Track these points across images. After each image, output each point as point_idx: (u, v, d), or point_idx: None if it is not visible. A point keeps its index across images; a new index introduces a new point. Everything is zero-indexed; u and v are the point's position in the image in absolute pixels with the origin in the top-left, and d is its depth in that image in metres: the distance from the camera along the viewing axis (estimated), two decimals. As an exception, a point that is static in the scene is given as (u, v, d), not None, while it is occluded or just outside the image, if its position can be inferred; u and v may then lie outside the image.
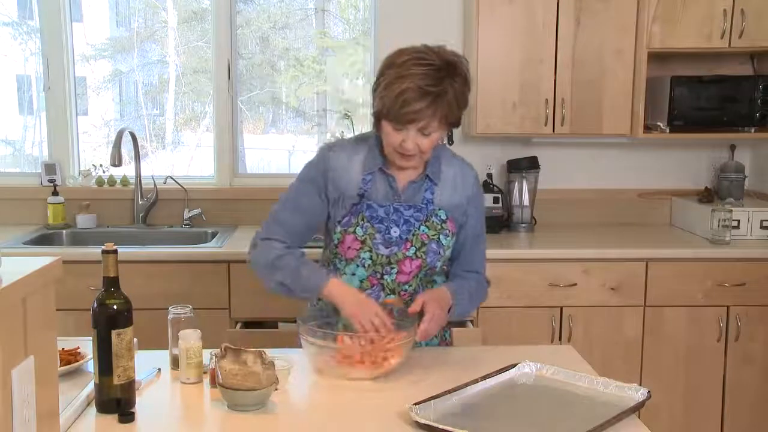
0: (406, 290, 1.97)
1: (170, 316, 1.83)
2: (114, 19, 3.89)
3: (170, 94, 3.89)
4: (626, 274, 3.10)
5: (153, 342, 1.96)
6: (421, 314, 1.85)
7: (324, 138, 3.80)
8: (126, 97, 3.96)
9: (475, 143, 3.54)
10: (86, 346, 1.78)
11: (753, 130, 3.37)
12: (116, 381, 1.57)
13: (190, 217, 3.53)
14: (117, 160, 3.28)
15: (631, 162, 3.71)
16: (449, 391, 1.63)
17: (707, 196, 3.53)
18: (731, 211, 3.22)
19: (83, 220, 3.46)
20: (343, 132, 3.61)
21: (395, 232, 1.92)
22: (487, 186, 3.47)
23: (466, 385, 1.67)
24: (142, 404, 1.62)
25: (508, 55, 3.28)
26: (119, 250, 1.60)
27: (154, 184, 3.57)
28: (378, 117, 1.86)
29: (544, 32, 3.26)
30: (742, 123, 3.35)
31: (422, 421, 1.49)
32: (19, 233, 3.31)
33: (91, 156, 3.76)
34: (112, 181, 3.59)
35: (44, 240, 3.33)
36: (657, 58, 3.35)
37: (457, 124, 1.89)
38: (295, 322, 1.89)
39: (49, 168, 3.55)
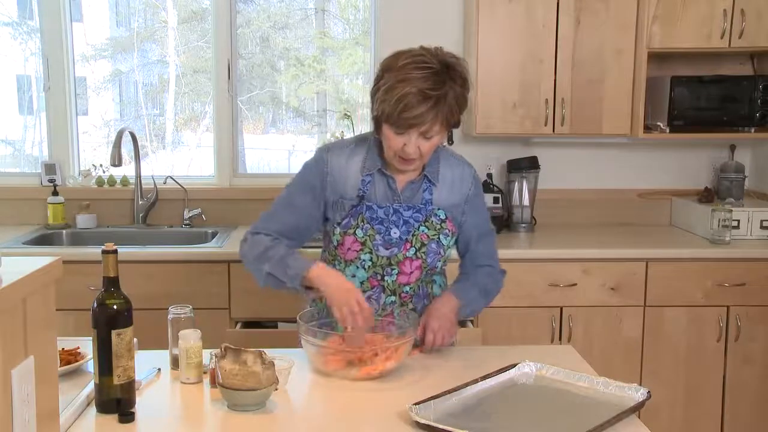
0: (406, 291, 1.97)
1: (170, 316, 1.82)
2: (114, 19, 3.89)
3: (170, 94, 3.89)
4: (626, 274, 3.10)
5: (153, 342, 1.96)
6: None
7: (324, 138, 3.80)
8: (126, 97, 3.96)
9: (475, 143, 3.54)
10: (86, 346, 1.78)
11: (753, 130, 3.37)
12: (116, 381, 1.57)
13: (190, 217, 3.53)
14: (117, 160, 3.28)
15: (631, 162, 3.71)
16: (449, 391, 1.63)
17: (707, 196, 3.53)
18: (731, 211, 3.22)
19: (83, 220, 3.46)
20: (342, 132, 3.61)
21: (395, 233, 1.92)
22: (487, 186, 3.47)
23: (466, 385, 1.67)
24: (142, 404, 1.62)
25: (508, 55, 3.28)
26: (119, 250, 1.60)
27: (154, 184, 3.57)
28: (378, 121, 1.85)
29: (544, 32, 3.26)
30: (742, 123, 3.35)
31: (422, 421, 1.49)
32: (19, 233, 3.31)
33: (91, 156, 3.76)
34: (112, 181, 3.59)
35: (44, 240, 3.33)
36: (657, 58, 3.35)
37: (457, 125, 1.88)
38: (295, 322, 1.88)
39: (49, 168, 3.55)
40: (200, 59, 3.83)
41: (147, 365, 1.81)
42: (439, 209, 1.96)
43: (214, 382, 1.68)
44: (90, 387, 1.63)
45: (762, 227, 3.29)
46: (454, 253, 2.08)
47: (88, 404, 1.61)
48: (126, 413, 1.55)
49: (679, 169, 3.73)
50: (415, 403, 1.54)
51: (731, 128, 3.39)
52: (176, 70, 3.87)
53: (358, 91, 3.89)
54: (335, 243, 1.95)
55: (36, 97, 3.80)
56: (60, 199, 3.45)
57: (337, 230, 1.93)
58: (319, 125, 3.91)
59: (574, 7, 3.25)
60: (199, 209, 3.55)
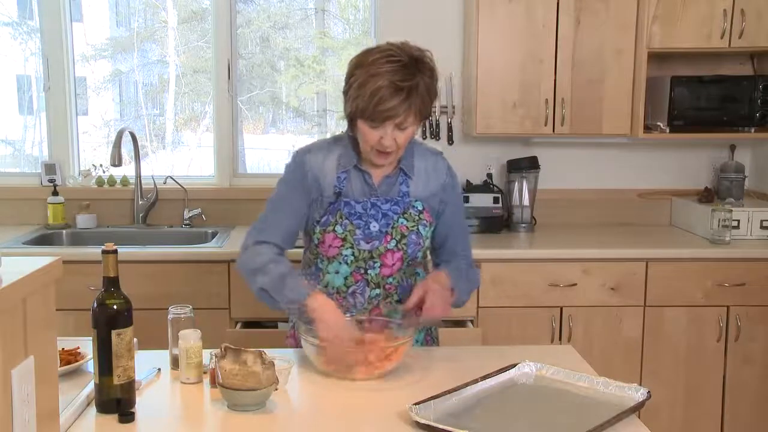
0: (390, 283, 1.98)
1: (170, 316, 1.83)
2: (114, 19, 3.89)
3: (170, 94, 3.89)
4: (626, 274, 3.10)
5: (153, 342, 1.96)
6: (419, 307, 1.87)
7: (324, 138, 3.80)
8: (126, 97, 3.96)
9: (475, 143, 3.54)
10: (86, 346, 1.78)
11: (753, 130, 3.37)
12: (116, 381, 1.56)
13: (190, 217, 3.53)
14: (117, 160, 3.28)
15: (631, 162, 3.71)
16: (449, 391, 1.63)
17: (707, 196, 3.53)
18: (731, 211, 3.22)
19: (83, 220, 3.46)
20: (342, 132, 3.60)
21: (374, 226, 1.94)
22: (487, 186, 3.48)
23: (466, 385, 1.67)
24: (142, 404, 1.62)
25: (508, 55, 3.28)
26: (119, 250, 1.60)
27: (154, 184, 3.57)
28: (353, 118, 1.88)
29: (544, 32, 3.26)
30: (742, 123, 3.35)
31: (422, 421, 1.49)
32: (19, 233, 3.31)
33: (91, 156, 3.76)
34: (112, 181, 3.59)
35: (44, 240, 3.33)
36: (657, 58, 3.35)
37: (428, 116, 1.93)
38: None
39: (49, 168, 3.55)
40: (200, 59, 3.83)
41: (147, 365, 1.81)
42: (416, 201, 1.98)
43: (214, 382, 1.68)
44: (90, 387, 1.63)
45: (762, 227, 3.29)
46: None
47: (88, 404, 1.61)
48: (126, 413, 1.55)
49: (679, 169, 3.73)
50: (415, 403, 1.54)
51: (731, 128, 3.39)
52: (176, 70, 3.87)
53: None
54: (316, 241, 1.97)
55: (36, 97, 3.80)
56: (60, 199, 3.45)
57: (317, 228, 1.95)
58: (319, 125, 3.91)
59: (574, 7, 3.25)
60: (199, 209, 3.55)
